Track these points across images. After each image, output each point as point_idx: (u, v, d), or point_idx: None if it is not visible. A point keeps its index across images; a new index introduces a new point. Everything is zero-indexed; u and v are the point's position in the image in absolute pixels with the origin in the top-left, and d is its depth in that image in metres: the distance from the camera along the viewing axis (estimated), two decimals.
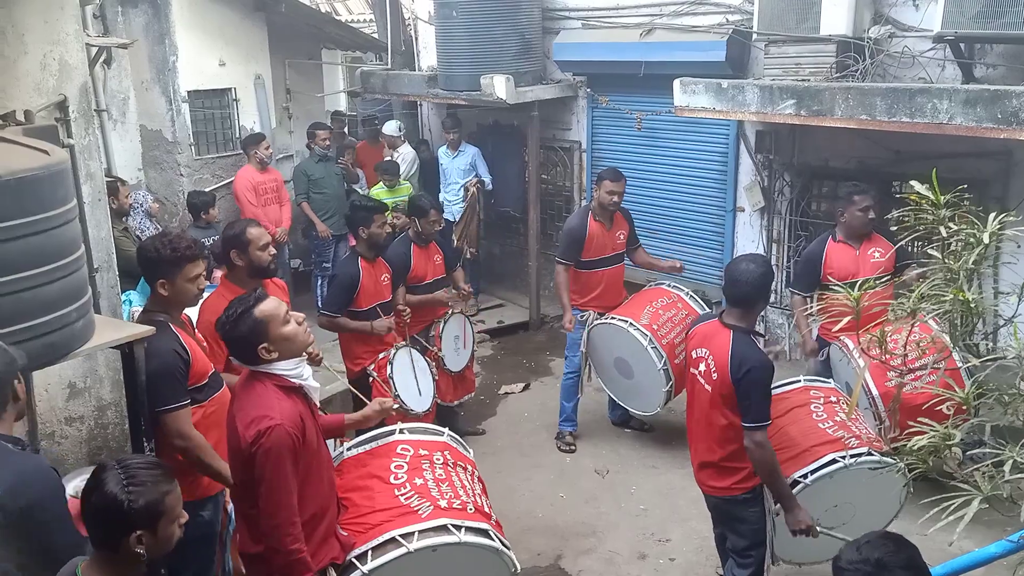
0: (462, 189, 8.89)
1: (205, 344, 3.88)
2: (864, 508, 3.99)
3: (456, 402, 6.17)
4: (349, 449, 3.66)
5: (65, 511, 2.64)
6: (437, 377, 5.84)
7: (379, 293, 5.50)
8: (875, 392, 4.76)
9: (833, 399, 4.23)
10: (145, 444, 3.46)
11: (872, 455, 3.89)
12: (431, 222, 5.91)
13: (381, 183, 8.69)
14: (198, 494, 3.67)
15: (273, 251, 4.46)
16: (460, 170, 8.89)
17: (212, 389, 3.75)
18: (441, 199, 8.63)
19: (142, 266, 3.72)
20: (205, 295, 4.83)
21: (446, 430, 3.97)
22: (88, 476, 2.31)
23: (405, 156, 9.32)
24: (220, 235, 7.25)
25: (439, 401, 5.92)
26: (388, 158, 9.35)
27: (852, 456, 3.87)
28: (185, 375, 3.55)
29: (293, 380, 3.12)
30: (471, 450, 3.99)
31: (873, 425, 4.62)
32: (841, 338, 5.04)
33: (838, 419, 4.07)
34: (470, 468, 3.79)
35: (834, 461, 3.86)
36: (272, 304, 3.09)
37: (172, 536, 2.34)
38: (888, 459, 3.81)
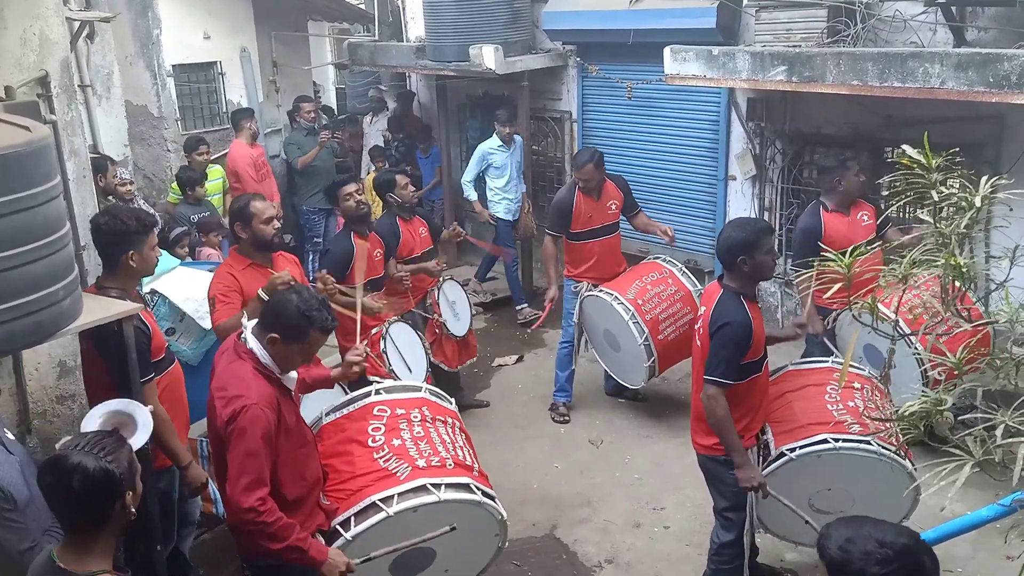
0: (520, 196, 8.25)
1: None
2: (865, 503, 3.87)
3: (460, 367, 6.21)
4: (328, 414, 3.68)
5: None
6: (443, 344, 5.92)
7: (371, 268, 5.46)
8: (919, 345, 4.41)
9: (856, 385, 4.08)
10: None
11: (870, 444, 3.76)
12: (403, 188, 5.88)
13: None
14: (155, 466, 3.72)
15: (277, 225, 4.50)
16: (518, 163, 8.16)
17: (167, 362, 3.83)
18: (498, 197, 8.06)
19: (105, 242, 3.67)
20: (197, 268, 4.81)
21: (424, 385, 3.98)
22: (48, 470, 2.34)
23: (369, 133, 9.22)
24: (211, 212, 7.33)
25: (448, 368, 5.98)
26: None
27: (846, 440, 3.79)
28: (148, 349, 3.60)
29: (275, 372, 3.18)
30: (452, 400, 4.01)
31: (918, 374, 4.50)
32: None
33: (851, 405, 3.95)
34: (451, 420, 3.81)
35: (824, 441, 3.81)
36: (321, 339, 3.23)
37: (140, 488, 2.45)
38: (886, 451, 3.74)
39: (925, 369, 4.54)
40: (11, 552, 2.74)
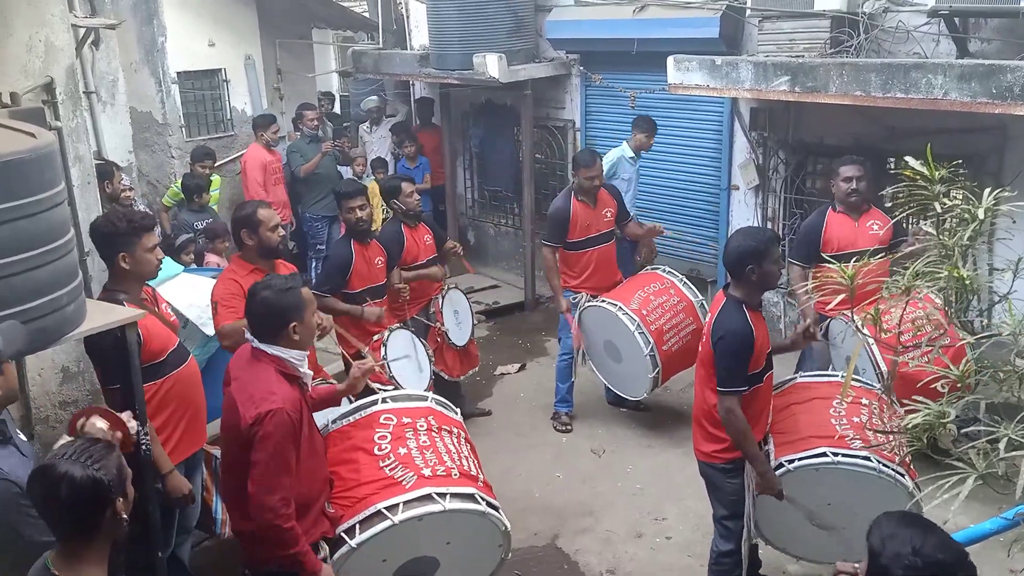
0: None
1: (174, 319, 4.05)
2: (866, 519, 3.80)
3: (462, 376, 6.20)
4: (334, 422, 3.69)
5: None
6: (444, 353, 5.90)
7: (372, 276, 5.48)
8: (883, 366, 4.55)
9: (864, 401, 4.02)
10: (140, 428, 3.44)
11: (870, 460, 3.71)
12: (408, 195, 5.87)
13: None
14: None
15: (282, 232, 4.53)
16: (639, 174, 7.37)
17: (172, 366, 3.79)
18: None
19: (99, 243, 3.76)
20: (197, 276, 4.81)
21: (430, 394, 3.99)
22: (36, 479, 2.32)
23: (371, 142, 9.04)
24: (215, 219, 7.34)
25: (448, 377, 5.98)
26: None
27: (845, 455, 3.75)
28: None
29: (299, 370, 3.22)
30: (458, 411, 4.01)
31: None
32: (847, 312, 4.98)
33: (856, 420, 3.91)
34: (456, 430, 3.81)
35: (824, 455, 3.78)
36: (310, 293, 3.33)
37: (132, 493, 2.43)
38: (886, 468, 3.70)
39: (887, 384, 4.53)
40: (34, 544, 2.75)
